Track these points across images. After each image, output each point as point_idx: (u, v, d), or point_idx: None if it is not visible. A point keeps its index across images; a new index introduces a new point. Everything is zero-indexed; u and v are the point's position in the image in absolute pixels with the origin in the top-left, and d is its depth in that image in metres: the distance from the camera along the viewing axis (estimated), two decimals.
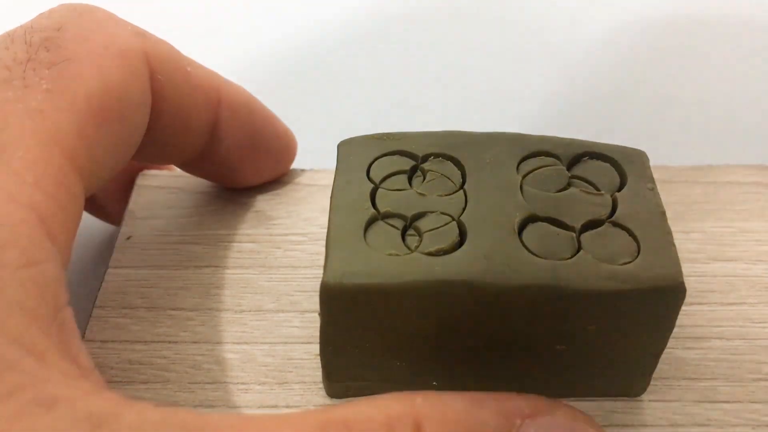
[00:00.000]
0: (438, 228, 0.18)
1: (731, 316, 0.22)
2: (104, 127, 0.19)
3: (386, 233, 0.18)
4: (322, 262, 0.24)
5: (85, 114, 0.18)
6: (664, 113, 0.34)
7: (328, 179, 0.26)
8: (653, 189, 0.19)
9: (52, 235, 0.16)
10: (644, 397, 0.20)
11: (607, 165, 0.20)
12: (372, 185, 0.19)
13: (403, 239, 0.18)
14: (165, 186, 0.26)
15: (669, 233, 0.18)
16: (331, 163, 0.26)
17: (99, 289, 0.23)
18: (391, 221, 0.19)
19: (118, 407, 0.14)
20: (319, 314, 0.18)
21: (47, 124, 0.17)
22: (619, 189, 0.19)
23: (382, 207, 0.19)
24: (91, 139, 0.18)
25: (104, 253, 0.26)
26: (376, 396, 0.16)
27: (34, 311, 0.15)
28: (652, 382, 0.20)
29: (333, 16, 0.40)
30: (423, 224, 0.19)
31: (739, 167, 0.26)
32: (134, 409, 0.14)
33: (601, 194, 0.19)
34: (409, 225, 0.19)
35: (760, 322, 0.22)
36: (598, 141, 0.21)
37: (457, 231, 0.18)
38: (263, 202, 0.25)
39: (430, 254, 0.18)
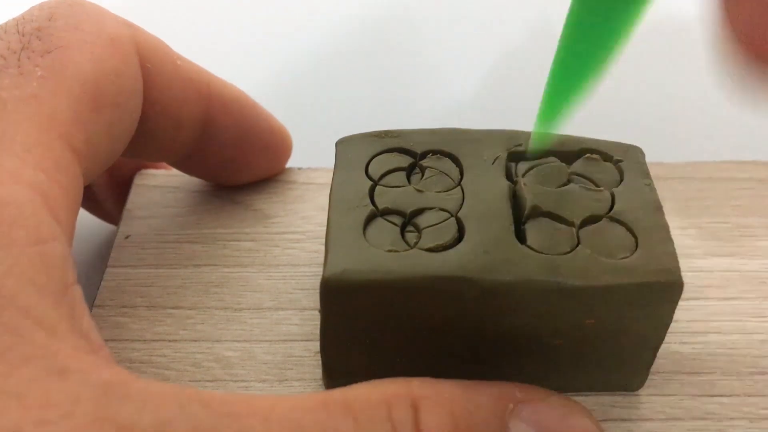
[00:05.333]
0: (437, 224, 0.18)
1: (728, 311, 0.22)
2: (99, 112, 0.19)
3: (385, 230, 0.18)
4: (320, 259, 0.24)
5: (80, 99, 0.18)
6: (657, 110, 0.34)
7: (325, 177, 0.26)
8: (650, 185, 0.19)
9: (56, 216, 0.16)
10: (642, 391, 0.20)
11: (605, 161, 0.20)
12: (371, 182, 0.20)
13: (402, 236, 0.18)
14: (162, 185, 0.26)
15: (666, 228, 0.18)
16: (328, 162, 0.26)
17: (98, 288, 0.23)
18: (390, 218, 0.19)
19: (128, 378, 0.14)
20: (320, 311, 0.18)
21: (44, 109, 0.18)
22: (617, 185, 0.19)
23: (381, 204, 0.19)
24: (87, 124, 0.19)
25: (102, 252, 0.26)
26: (374, 380, 0.16)
27: (45, 287, 0.15)
28: (650, 377, 0.20)
29: (328, 14, 0.40)
30: (422, 220, 0.19)
31: (733, 163, 0.26)
32: (143, 381, 0.14)
33: (600, 190, 0.19)
34: (408, 221, 0.19)
35: (756, 317, 0.22)
36: (591, 138, 0.21)
37: (455, 227, 0.18)
38: (261, 201, 0.25)
39: (429, 250, 0.18)
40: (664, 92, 0.35)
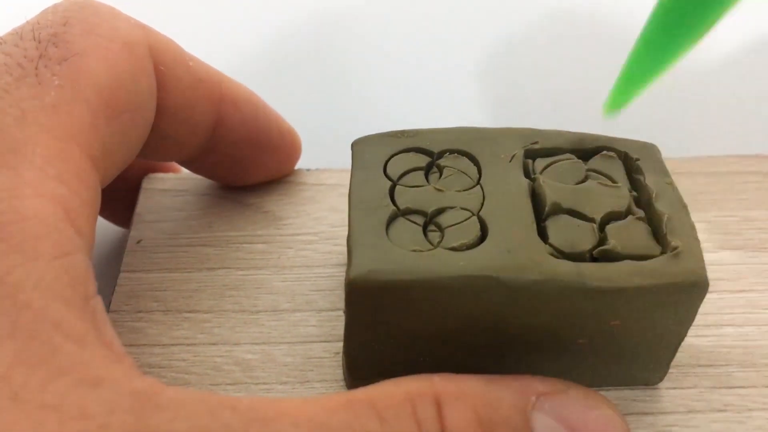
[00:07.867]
0: (459, 223, 0.18)
1: (741, 303, 0.22)
2: (115, 119, 0.19)
3: (408, 229, 0.18)
4: (334, 260, 0.24)
5: (97, 107, 0.18)
6: (663, 106, 0.34)
7: (335, 178, 0.26)
8: (671, 183, 0.19)
9: (78, 228, 0.17)
10: (662, 384, 0.21)
11: (620, 159, 0.20)
12: (390, 182, 0.20)
13: (425, 235, 0.18)
14: (171, 189, 0.26)
15: (693, 228, 0.18)
16: (336, 162, 0.27)
17: (112, 293, 0.23)
18: (411, 217, 0.19)
19: (159, 387, 0.15)
20: (344, 311, 0.18)
21: (62, 119, 0.18)
22: (635, 183, 0.20)
23: (402, 204, 0.19)
24: (104, 132, 0.19)
25: (111, 256, 0.26)
26: (396, 378, 0.16)
27: (71, 300, 0.15)
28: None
29: (337, 15, 0.40)
30: (443, 220, 0.19)
31: (738, 157, 0.27)
32: (173, 389, 0.15)
33: (618, 186, 0.19)
34: (429, 221, 0.19)
35: None
36: (606, 135, 0.21)
37: (478, 226, 0.18)
38: (271, 203, 0.25)
39: (453, 249, 0.18)
40: (667, 87, 0.35)
